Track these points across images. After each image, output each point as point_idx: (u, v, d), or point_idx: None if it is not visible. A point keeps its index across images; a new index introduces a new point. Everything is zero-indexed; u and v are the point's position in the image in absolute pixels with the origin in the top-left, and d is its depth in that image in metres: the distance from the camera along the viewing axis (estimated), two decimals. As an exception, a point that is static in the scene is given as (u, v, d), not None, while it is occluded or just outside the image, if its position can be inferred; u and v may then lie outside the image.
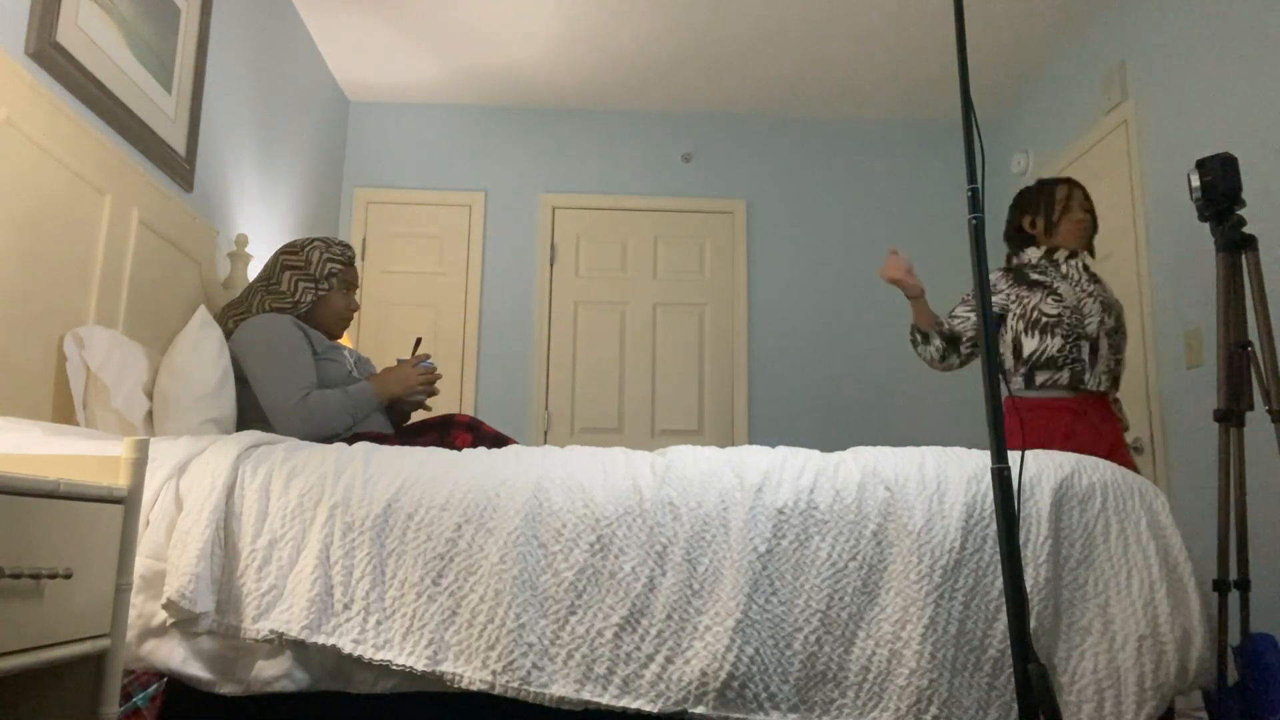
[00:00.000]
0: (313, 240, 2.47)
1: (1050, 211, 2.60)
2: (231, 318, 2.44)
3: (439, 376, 2.48)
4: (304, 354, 2.27)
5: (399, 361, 2.43)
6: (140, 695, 1.50)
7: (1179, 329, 3.09)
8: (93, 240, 2.21)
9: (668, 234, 4.48)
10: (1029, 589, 1.57)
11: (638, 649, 1.53)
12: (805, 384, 4.34)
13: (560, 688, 1.51)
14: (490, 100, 4.48)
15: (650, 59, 4.07)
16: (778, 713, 1.52)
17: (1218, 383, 1.96)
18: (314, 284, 2.43)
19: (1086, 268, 2.59)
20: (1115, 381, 2.53)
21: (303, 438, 2.19)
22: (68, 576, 1.10)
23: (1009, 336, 2.56)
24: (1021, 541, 1.60)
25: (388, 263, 4.38)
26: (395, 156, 4.47)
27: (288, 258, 2.46)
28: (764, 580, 1.57)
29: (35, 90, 1.97)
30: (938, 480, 1.66)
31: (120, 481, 1.29)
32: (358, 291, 2.61)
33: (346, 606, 1.55)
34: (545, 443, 4.24)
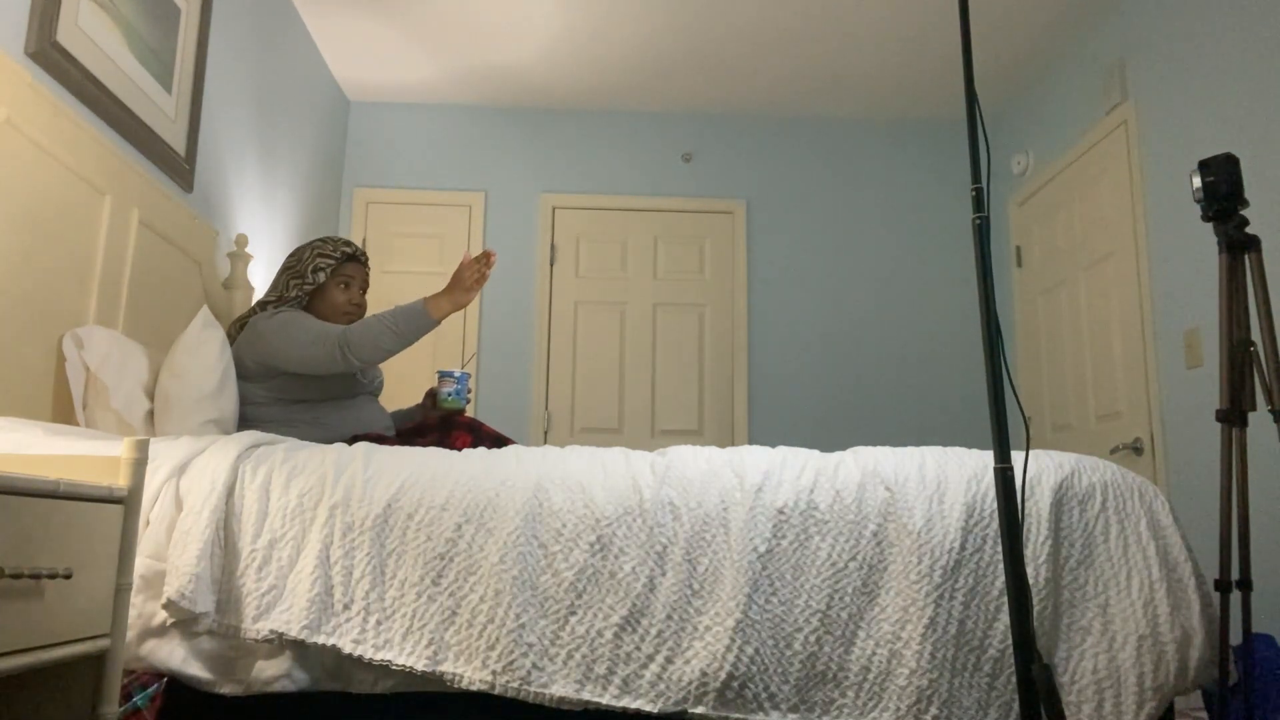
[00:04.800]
0: (313, 241, 2.48)
1: None
2: (235, 324, 2.45)
3: (492, 263, 2.33)
4: (315, 321, 2.30)
5: (439, 372, 2.44)
6: (140, 695, 1.50)
7: (1179, 329, 3.08)
8: (93, 240, 2.21)
9: (668, 234, 4.48)
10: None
11: (638, 649, 1.53)
12: (805, 384, 4.34)
13: (560, 688, 1.51)
14: (490, 100, 4.48)
15: (650, 59, 4.07)
16: (778, 713, 1.52)
17: (1220, 383, 1.96)
18: (301, 279, 2.42)
19: None
20: None
21: (359, 366, 2.24)
22: (68, 576, 1.10)
23: None
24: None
25: (388, 263, 4.38)
26: (395, 156, 4.47)
27: (286, 261, 2.49)
28: (764, 580, 1.57)
29: (35, 90, 1.97)
30: (938, 480, 1.66)
31: (120, 481, 1.29)
32: (365, 290, 2.56)
33: (346, 606, 1.55)
34: (545, 443, 4.23)
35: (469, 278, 2.25)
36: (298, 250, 2.48)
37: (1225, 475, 1.94)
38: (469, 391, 2.52)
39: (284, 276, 2.45)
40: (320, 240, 2.48)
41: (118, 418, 2.06)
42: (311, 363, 2.24)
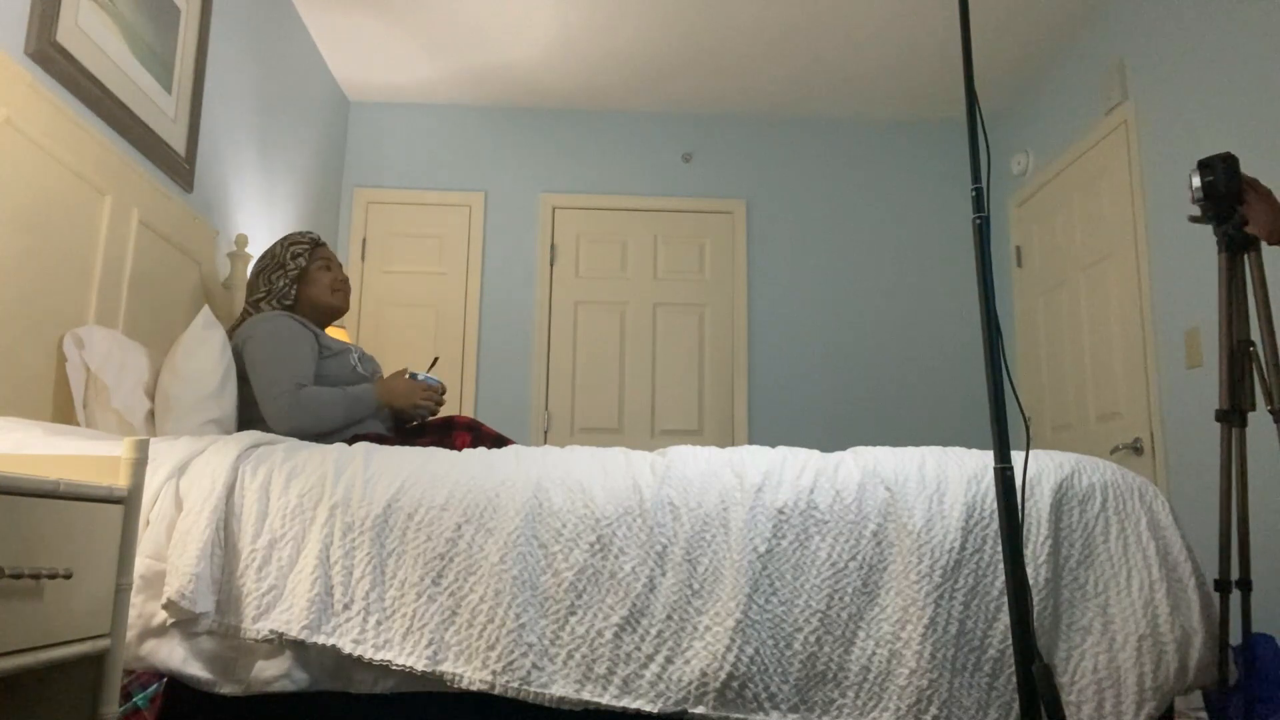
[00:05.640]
0: (277, 240, 2.54)
1: None
2: (232, 329, 2.46)
3: (443, 400, 2.45)
4: (304, 349, 2.28)
5: (409, 375, 2.40)
6: (140, 695, 1.50)
7: (1179, 329, 3.08)
8: (93, 240, 2.21)
9: (668, 234, 4.48)
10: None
11: (638, 649, 1.53)
12: (805, 384, 4.34)
13: (560, 688, 1.51)
14: (490, 100, 4.48)
15: (650, 59, 4.07)
16: (778, 713, 1.52)
17: (1219, 382, 1.96)
18: (283, 269, 2.46)
19: None
20: None
21: (293, 431, 2.20)
22: (68, 576, 1.10)
23: None
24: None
25: (388, 263, 4.38)
26: (395, 156, 4.47)
27: (259, 262, 2.52)
28: (764, 580, 1.57)
29: (35, 90, 1.97)
30: (938, 480, 1.66)
31: (120, 481, 1.29)
32: (343, 272, 2.59)
33: (346, 606, 1.55)
34: (545, 443, 4.23)
35: (415, 399, 2.35)
36: (267, 251, 2.52)
37: (1225, 475, 1.94)
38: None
39: (265, 273, 2.47)
40: (284, 237, 2.53)
41: (118, 418, 2.06)
42: (261, 391, 2.23)
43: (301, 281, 2.48)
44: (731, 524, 1.60)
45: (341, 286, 2.53)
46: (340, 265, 2.57)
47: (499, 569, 1.55)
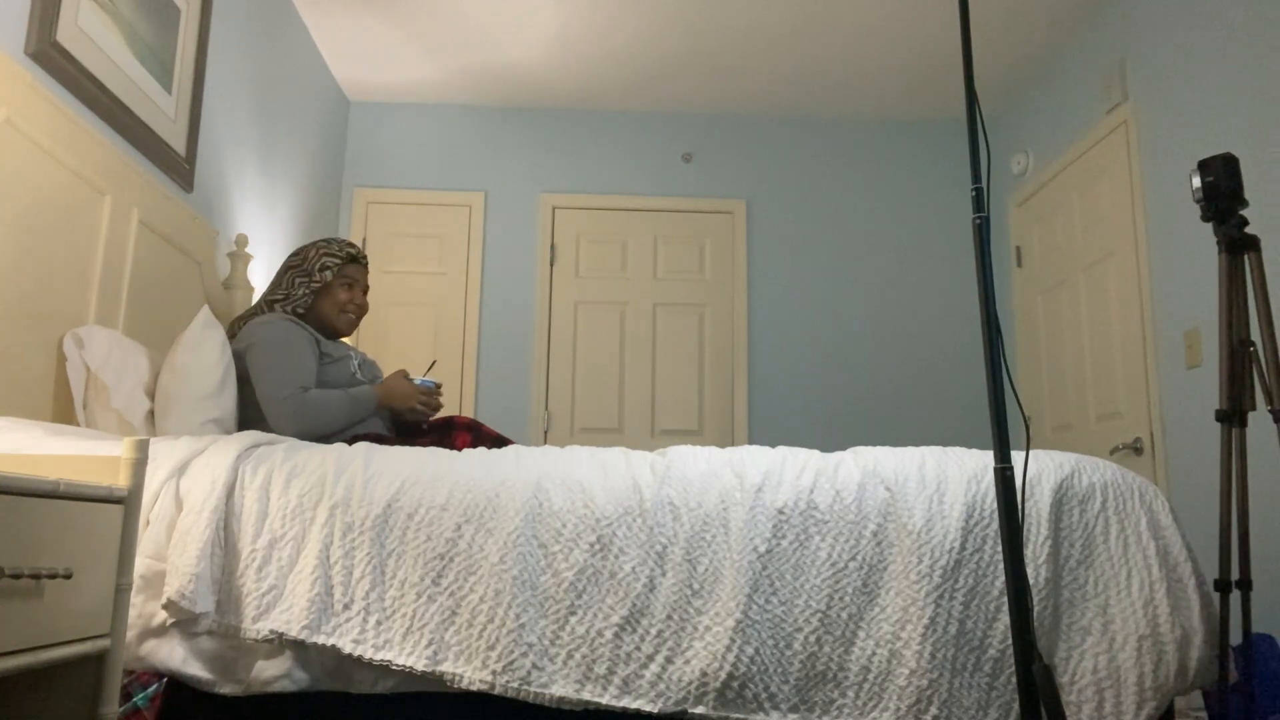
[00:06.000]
0: (316, 241, 2.50)
1: None
2: (238, 322, 2.46)
3: (440, 404, 2.44)
4: (307, 354, 2.28)
5: (406, 378, 2.40)
6: (140, 695, 1.50)
7: (1179, 329, 3.08)
8: (93, 240, 2.21)
9: (668, 234, 4.48)
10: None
11: (638, 649, 1.53)
12: (805, 384, 4.34)
13: (560, 688, 1.51)
14: (490, 100, 4.48)
15: (650, 59, 4.07)
16: (778, 713, 1.52)
17: (1219, 383, 1.96)
18: (308, 278, 2.44)
19: None
20: None
21: (296, 434, 2.19)
22: (68, 576, 1.10)
23: None
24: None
25: (388, 263, 4.38)
26: (395, 156, 4.47)
27: (290, 260, 2.50)
28: (764, 580, 1.57)
29: (35, 90, 1.97)
30: (938, 480, 1.66)
31: (120, 481, 1.29)
32: (366, 292, 2.56)
33: (346, 606, 1.55)
34: (545, 443, 4.23)
35: (413, 402, 2.36)
36: (302, 250, 2.49)
37: (1225, 475, 1.94)
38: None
39: (290, 275, 2.46)
40: (324, 241, 2.50)
41: (118, 417, 2.06)
42: (265, 395, 2.22)
43: (319, 294, 2.47)
44: (731, 524, 1.60)
45: (352, 309, 2.50)
46: (365, 288, 2.54)
47: (499, 569, 1.55)
